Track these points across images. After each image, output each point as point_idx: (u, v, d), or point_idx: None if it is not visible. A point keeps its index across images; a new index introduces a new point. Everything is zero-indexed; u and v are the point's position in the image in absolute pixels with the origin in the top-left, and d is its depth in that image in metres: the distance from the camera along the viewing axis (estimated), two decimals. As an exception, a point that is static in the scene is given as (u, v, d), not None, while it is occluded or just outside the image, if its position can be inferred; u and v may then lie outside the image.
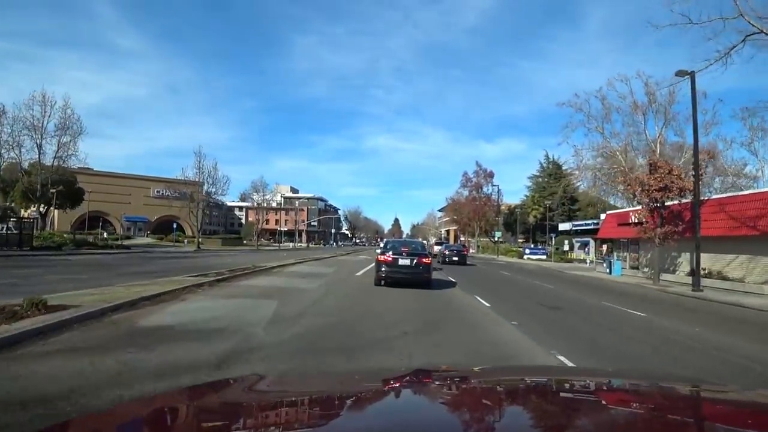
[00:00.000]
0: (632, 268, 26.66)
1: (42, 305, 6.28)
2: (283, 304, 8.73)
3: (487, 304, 10.49)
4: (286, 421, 1.17)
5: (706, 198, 20.88)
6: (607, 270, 26.50)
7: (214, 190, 52.03)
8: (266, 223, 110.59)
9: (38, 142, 34.51)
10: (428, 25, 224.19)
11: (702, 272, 17.68)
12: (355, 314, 8.32)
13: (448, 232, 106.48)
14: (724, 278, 18.74)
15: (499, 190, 59.99)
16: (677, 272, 22.40)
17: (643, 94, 32.06)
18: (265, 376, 1.90)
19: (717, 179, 39.75)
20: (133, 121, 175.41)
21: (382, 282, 12.77)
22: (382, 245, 14.87)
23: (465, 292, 13.16)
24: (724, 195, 23.22)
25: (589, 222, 60.06)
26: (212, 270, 14.98)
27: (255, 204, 63.88)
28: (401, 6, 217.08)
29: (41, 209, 40.63)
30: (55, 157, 36.03)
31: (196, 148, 49.71)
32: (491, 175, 67.26)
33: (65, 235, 36.14)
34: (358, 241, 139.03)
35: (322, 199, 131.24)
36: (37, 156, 35.26)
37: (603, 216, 58.71)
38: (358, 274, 17.34)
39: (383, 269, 12.75)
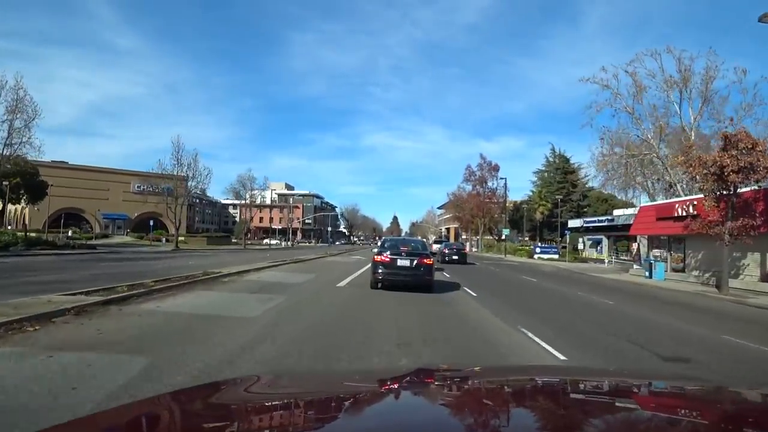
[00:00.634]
0: (675, 270, 22.29)
1: None
2: (168, 365, 4.36)
3: (548, 347, 6.10)
4: (286, 422, 1.17)
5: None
6: (646, 273, 22.12)
7: (195, 183, 47.63)
8: (260, 221, 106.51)
9: (-16, 127, 29.99)
10: (426, 23, 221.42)
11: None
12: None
13: (448, 230, 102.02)
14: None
15: (505, 183, 54.85)
16: (742, 277, 18.02)
17: (675, 71, 27.78)
18: (265, 376, 1.99)
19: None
20: (132, 120, 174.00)
21: (379, 285, 11.62)
22: (379, 244, 13.64)
23: (492, 312, 8.81)
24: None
25: (603, 219, 55.74)
26: (147, 278, 10.76)
27: (243, 200, 59.16)
28: (399, 4, 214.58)
29: (-6, 204, 36.11)
30: (5, 144, 31.52)
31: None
32: (496, 168, 62.69)
33: (18, 234, 31.79)
34: (356, 239, 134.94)
35: (318, 196, 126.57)
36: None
37: (617, 212, 54.77)
38: (342, 283, 12.92)
39: (380, 271, 11.60)
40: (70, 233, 38.40)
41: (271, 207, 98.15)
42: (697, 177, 16.00)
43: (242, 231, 60.69)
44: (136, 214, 59.60)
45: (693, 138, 27.29)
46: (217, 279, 12.03)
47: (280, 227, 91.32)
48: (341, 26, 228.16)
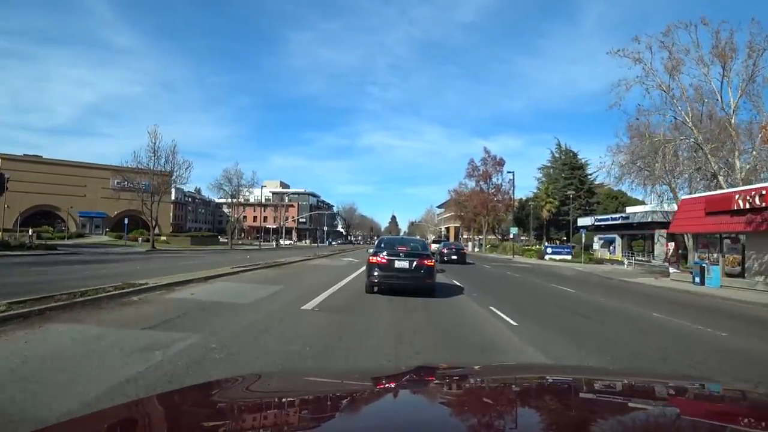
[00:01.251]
0: (729, 275, 18.40)
1: None
2: None
3: None
4: (288, 421, 1.15)
5: None
6: (697, 279, 18.21)
7: (174, 177, 43.62)
8: (254, 221, 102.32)
9: None
10: (424, 22, 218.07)
11: None
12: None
13: (448, 229, 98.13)
14: None
15: (513, 178, 50.43)
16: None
17: (710, 48, 23.81)
18: (265, 375, 2.08)
19: None
20: (129, 119, 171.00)
21: (375, 289, 10.79)
22: (375, 243, 12.79)
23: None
24: None
25: (616, 216, 51.79)
26: (29, 293, 6.99)
27: (230, 196, 54.98)
28: (397, 2, 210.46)
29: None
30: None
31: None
32: (501, 163, 58.59)
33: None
34: (353, 239, 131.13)
35: (313, 195, 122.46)
36: None
37: (630, 209, 50.79)
38: (311, 304, 8.82)
39: (376, 273, 10.61)
40: (30, 232, 34.29)
41: (263, 206, 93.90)
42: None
43: (229, 230, 56.68)
44: (115, 213, 55.52)
45: (734, 122, 23.45)
46: (124, 297, 8.06)
47: (274, 226, 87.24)
48: (339, 24, 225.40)
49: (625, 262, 37.40)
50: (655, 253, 45.39)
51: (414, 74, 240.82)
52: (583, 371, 2.82)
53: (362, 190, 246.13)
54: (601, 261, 40.77)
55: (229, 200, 57.72)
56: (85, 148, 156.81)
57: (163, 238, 53.33)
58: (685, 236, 23.87)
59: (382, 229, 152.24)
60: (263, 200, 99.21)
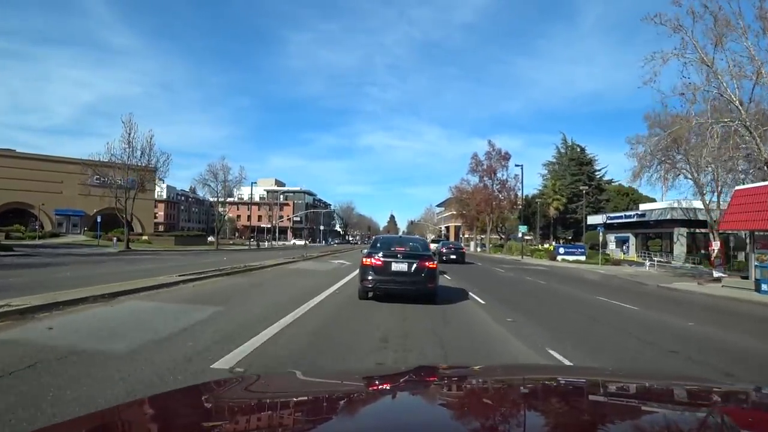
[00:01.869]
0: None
1: None
2: None
3: None
4: (288, 421, 1.15)
5: None
6: (764, 286, 14.73)
7: (156, 172, 40.12)
8: (248, 220, 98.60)
9: None
10: (423, 23, 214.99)
11: None
12: None
13: (448, 228, 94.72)
14: None
15: (522, 173, 46.49)
16: None
17: (755, 18, 20.36)
18: (266, 375, 2.10)
19: None
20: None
21: (369, 294, 9.70)
22: (370, 243, 11.79)
23: None
24: None
25: (631, 214, 48.35)
26: None
27: (216, 193, 51.42)
28: (396, 3, 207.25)
29: None
30: None
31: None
32: (507, 157, 54.98)
33: None
34: (350, 238, 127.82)
35: (309, 193, 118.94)
36: None
37: (644, 206, 47.16)
38: (243, 348, 4.91)
39: (370, 277, 9.45)
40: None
41: (253, 204, 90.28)
42: None
43: (217, 229, 53.12)
44: (94, 210, 51.80)
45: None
46: None
47: (268, 226, 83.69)
48: (338, 25, 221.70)
49: (646, 263, 33.94)
50: (675, 252, 41.98)
51: (413, 75, 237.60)
52: (583, 372, 2.74)
53: (361, 191, 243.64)
54: (618, 262, 37.33)
55: (216, 198, 54.22)
56: (84, 149, 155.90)
57: (144, 237, 49.77)
58: (742, 234, 20.40)
59: (381, 229, 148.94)
60: (258, 198, 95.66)
